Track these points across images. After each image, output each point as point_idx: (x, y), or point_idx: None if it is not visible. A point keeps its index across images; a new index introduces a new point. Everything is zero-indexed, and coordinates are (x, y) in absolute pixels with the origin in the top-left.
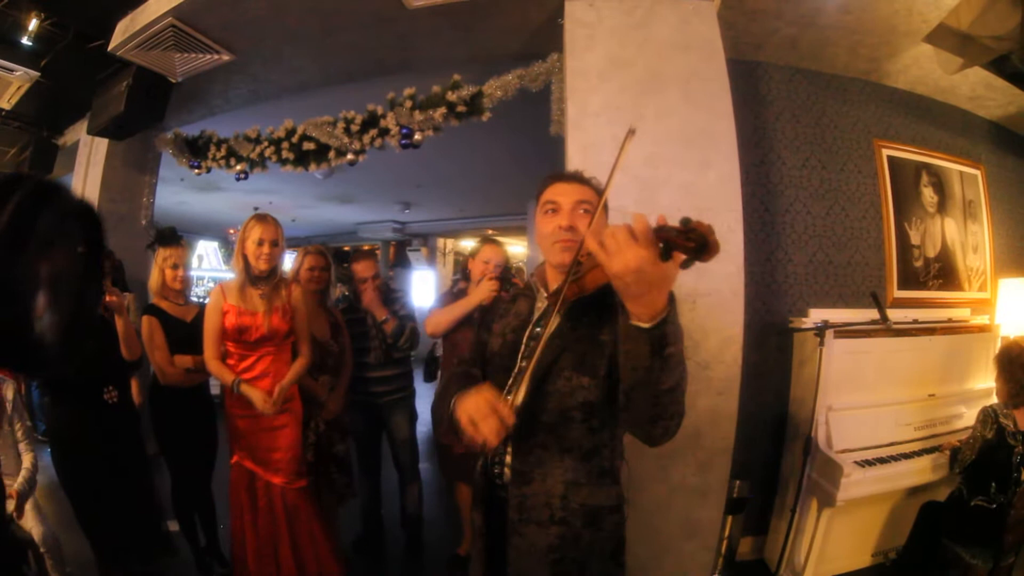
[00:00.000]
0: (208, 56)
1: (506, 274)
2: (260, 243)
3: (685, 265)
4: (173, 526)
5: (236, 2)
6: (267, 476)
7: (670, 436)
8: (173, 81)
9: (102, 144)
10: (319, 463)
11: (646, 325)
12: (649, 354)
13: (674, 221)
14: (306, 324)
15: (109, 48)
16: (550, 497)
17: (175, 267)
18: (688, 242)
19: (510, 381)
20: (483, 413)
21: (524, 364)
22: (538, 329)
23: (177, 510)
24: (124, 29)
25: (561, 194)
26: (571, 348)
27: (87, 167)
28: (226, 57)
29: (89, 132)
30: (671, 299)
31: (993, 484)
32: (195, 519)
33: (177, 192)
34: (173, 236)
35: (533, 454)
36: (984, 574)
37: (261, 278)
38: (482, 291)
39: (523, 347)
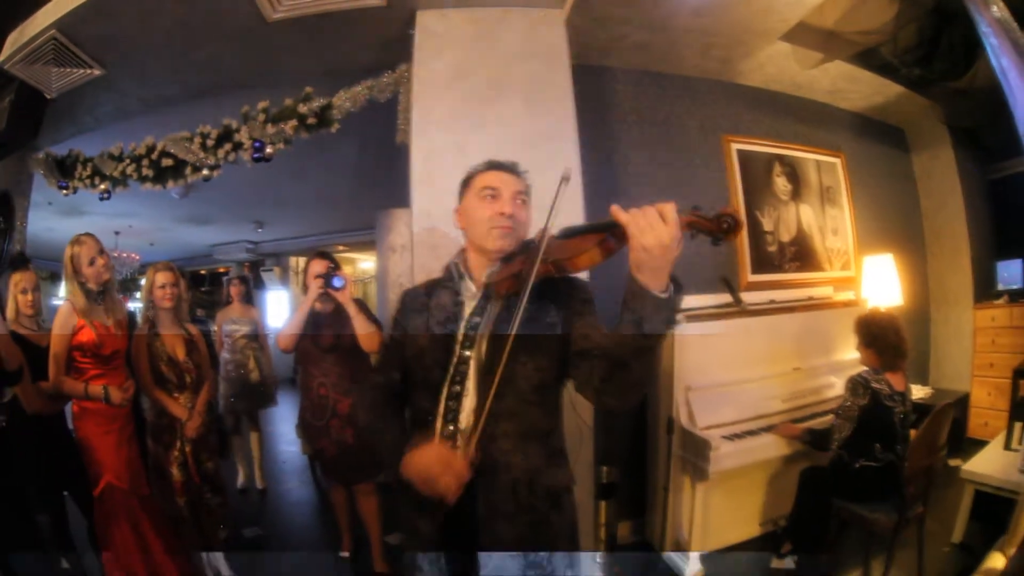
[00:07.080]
0: (81, 71)
1: (330, 271)
2: (92, 262)
3: (716, 242)
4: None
5: (111, 15)
6: (139, 490)
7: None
8: (48, 97)
9: None
10: (190, 484)
11: (664, 296)
12: (664, 322)
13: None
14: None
15: None
16: (517, 485)
17: (24, 292)
18: (721, 224)
19: (450, 373)
20: (437, 471)
21: (468, 354)
22: (477, 318)
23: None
24: (13, 42)
25: (501, 182)
26: (520, 332)
27: None
28: (97, 72)
29: None
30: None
31: (877, 445)
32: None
33: (45, 218)
34: (22, 260)
35: (495, 443)
36: (890, 526)
37: (98, 294)
38: (311, 292)
39: (461, 338)
